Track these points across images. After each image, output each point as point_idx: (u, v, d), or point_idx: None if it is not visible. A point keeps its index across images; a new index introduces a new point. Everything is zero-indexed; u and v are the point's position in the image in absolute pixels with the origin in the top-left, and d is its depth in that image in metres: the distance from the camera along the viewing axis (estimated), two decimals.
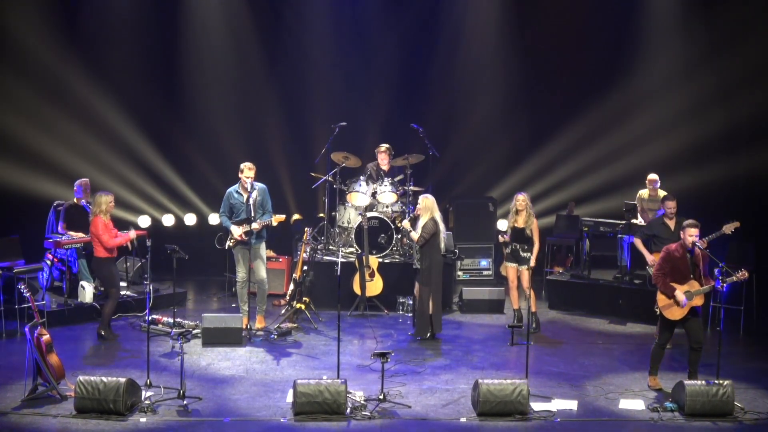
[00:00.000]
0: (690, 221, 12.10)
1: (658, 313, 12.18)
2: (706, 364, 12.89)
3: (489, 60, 19.89)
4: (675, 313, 12.04)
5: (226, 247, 14.72)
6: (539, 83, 19.91)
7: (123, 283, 15.83)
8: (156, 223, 19.16)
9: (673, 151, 19.18)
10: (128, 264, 16.60)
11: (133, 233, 14.54)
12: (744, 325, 15.18)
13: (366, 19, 19.67)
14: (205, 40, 19.53)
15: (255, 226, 14.27)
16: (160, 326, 14.70)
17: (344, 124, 17.26)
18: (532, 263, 14.88)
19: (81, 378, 11.16)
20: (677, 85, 19.47)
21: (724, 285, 11.90)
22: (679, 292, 11.95)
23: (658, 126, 19.58)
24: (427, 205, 14.40)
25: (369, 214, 16.49)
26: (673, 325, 12.21)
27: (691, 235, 11.90)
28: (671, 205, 14.21)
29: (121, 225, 15.39)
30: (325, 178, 17.07)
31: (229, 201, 14.51)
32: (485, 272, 18.71)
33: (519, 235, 14.94)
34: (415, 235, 14.40)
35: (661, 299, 12.12)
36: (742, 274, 11.95)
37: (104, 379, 11.12)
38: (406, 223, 14.87)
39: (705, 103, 19.27)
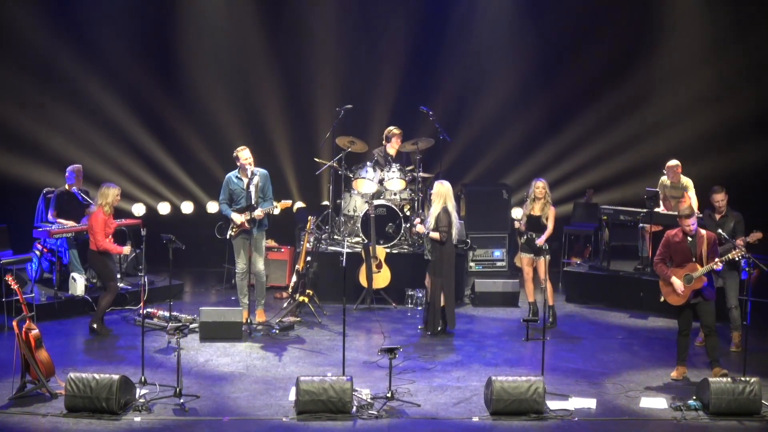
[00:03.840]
0: (684, 210, 12.22)
1: (662, 300, 12.40)
2: (732, 360, 12.88)
3: (503, 39, 19.81)
4: (676, 299, 12.32)
5: (228, 237, 14.69)
6: (556, 63, 19.84)
7: (117, 275, 15.79)
8: (151, 212, 19.16)
9: (699, 135, 19.10)
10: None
11: (127, 249, 14.45)
12: None
13: None
14: (202, 18, 19.49)
15: (258, 213, 14.24)
16: (155, 320, 14.69)
17: (350, 106, 17.22)
18: (542, 241, 14.75)
19: (72, 375, 11.14)
20: (702, 64, 19.37)
21: (751, 275, 12.04)
22: (674, 278, 12.21)
23: (682, 108, 19.50)
24: (441, 191, 14.33)
25: (376, 202, 16.46)
26: (683, 311, 12.34)
27: (686, 225, 12.20)
28: (718, 198, 14.00)
29: (117, 214, 15.27)
30: (329, 163, 17.03)
31: (228, 187, 14.48)
32: (499, 263, 18.70)
33: (535, 224, 14.90)
34: (436, 234, 14.26)
35: (663, 286, 12.46)
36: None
37: (96, 376, 11.10)
38: (419, 228, 14.70)
39: (732, 83, 19.19)
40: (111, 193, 14.11)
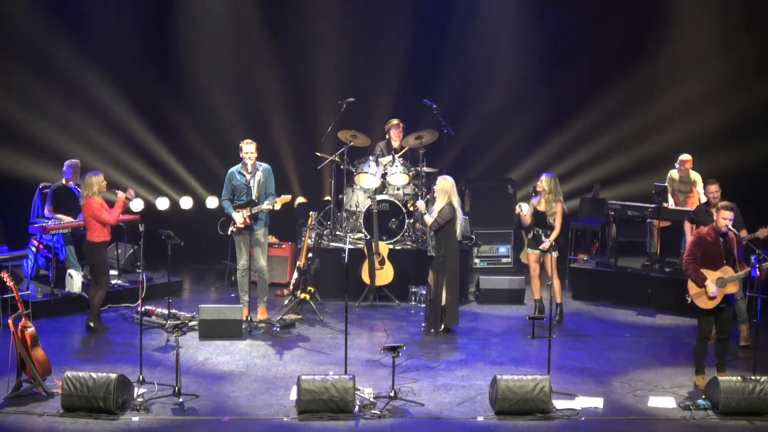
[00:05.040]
0: (724, 203, 12.01)
1: (689, 302, 12.10)
2: (742, 358, 12.87)
3: (508, 31, 19.78)
4: (707, 302, 11.96)
5: (230, 233, 14.66)
6: (562, 56, 19.81)
7: (114, 272, 15.80)
8: (150, 207, 19.14)
9: (709, 129, 19.06)
10: (120, 251, 16.57)
11: (121, 194, 14.38)
12: None
13: None
14: (202, 9, 19.46)
15: (266, 206, 14.20)
16: (153, 318, 14.69)
17: (352, 100, 17.21)
18: (546, 245, 14.75)
19: (68, 374, 11.14)
20: (713, 55, 19.31)
21: (762, 270, 11.88)
22: (710, 283, 11.87)
23: (692, 101, 19.43)
24: (445, 187, 14.32)
25: (379, 197, 16.44)
26: (709, 315, 12.07)
27: (725, 218, 11.83)
28: (713, 189, 14.02)
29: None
30: (331, 158, 17.02)
31: (231, 183, 14.46)
32: (504, 260, 18.68)
33: (541, 220, 14.87)
34: (429, 219, 14.34)
35: (692, 287, 12.03)
36: None
37: (93, 374, 11.09)
38: (420, 204, 14.82)
39: (744, 74, 19.13)
40: (95, 182, 14.05)
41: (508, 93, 19.89)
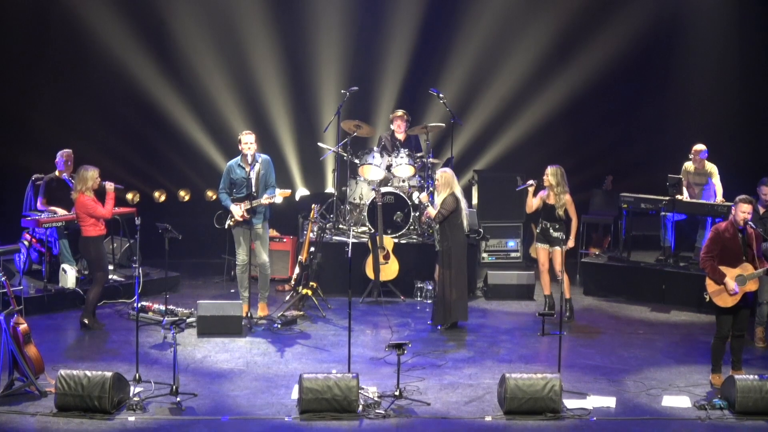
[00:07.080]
0: (743, 196, 11.98)
1: (708, 299, 12.05)
2: (760, 356, 12.85)
3: (518, 18, 19.76)
4: (727, 300, 11.91)
5: (226, 227, 14.66)
6: (574, 44, 19.76)
7: (110, 266, 15.77)
8: (147, 200, 19.12)
9: (724, 118, 19.05)
10: (115, 245, 16.58)
11: (110, 186, 14.36)
12: None
13: None
14: None
15: (264, 200, 14.18)
16: (150, 314, 14.67)
17: (356, 89, 17.18)
18: (571, 243, 14.80)
19: (62, 372, 11.12)
20: (729, 42, 19.30)
21: None
22: (730, 280, 11.83)
23: (707, 89, 19.44)
24: (447, 179, 14.31)
25: (383, 190, 16.43)
26: (727, 313, 12.02)
27: (744, 211, 11.79)
28: (766, 191, 13.98)
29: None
30: (334, 149, 17.01)
31: (229, 176, 14.44)
32: (513, 254, 18.65)
33: (549, 213, 14.86)
34: (432, 211, 14.34)
35: (711, 285, 11.99)
36: None
37: (88, 373, 11.08)
38: (423, 196, 14.81)
39: (761, 61, 19.10)
40: (90, 177, 14.04)
41: (518, 81, 19.88)
